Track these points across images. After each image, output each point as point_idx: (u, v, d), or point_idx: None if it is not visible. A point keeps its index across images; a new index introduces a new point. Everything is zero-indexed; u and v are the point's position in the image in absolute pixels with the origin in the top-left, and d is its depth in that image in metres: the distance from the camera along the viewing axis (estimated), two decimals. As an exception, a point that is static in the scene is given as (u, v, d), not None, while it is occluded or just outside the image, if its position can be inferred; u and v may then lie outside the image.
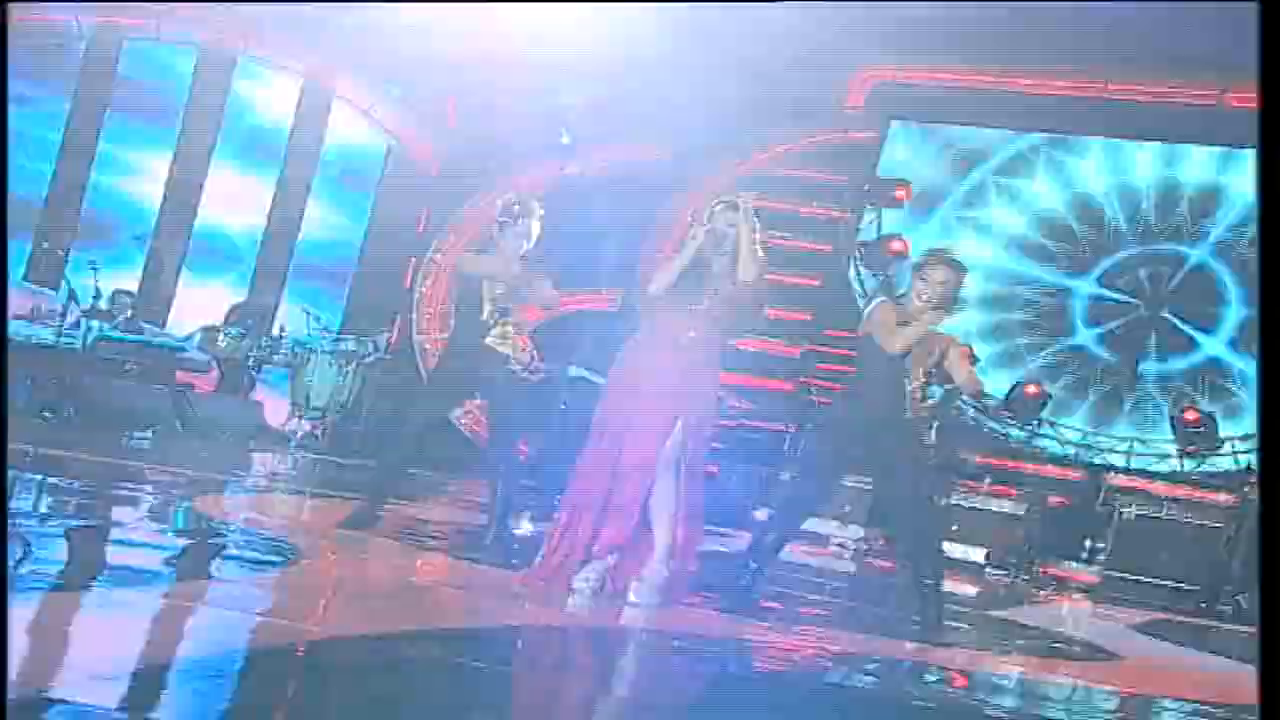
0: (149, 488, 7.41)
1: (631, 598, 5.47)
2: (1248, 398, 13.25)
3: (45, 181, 13.79)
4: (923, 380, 5.80)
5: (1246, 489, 11.19)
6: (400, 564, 5.95)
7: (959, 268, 5.79)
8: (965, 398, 9.53)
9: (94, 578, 4.56)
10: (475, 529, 7.46)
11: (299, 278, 14.97)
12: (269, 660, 3.73)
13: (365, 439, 12.63)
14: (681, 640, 5.10)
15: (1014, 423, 13.26)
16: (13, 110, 12.58)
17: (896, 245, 13.71)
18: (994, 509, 11.26)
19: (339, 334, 13.76)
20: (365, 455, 11.92)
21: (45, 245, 13.02)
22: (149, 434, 9.95)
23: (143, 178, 14.37)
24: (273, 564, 5.39)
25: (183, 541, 5.69)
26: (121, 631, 3.70)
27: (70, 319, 11.13)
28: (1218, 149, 13.85)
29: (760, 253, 5.58)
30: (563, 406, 11.30)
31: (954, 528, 10.96)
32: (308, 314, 13.14)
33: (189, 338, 12.78)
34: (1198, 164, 14.04)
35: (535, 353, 6.68)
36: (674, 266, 5.68)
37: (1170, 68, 13.31)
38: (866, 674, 5.15)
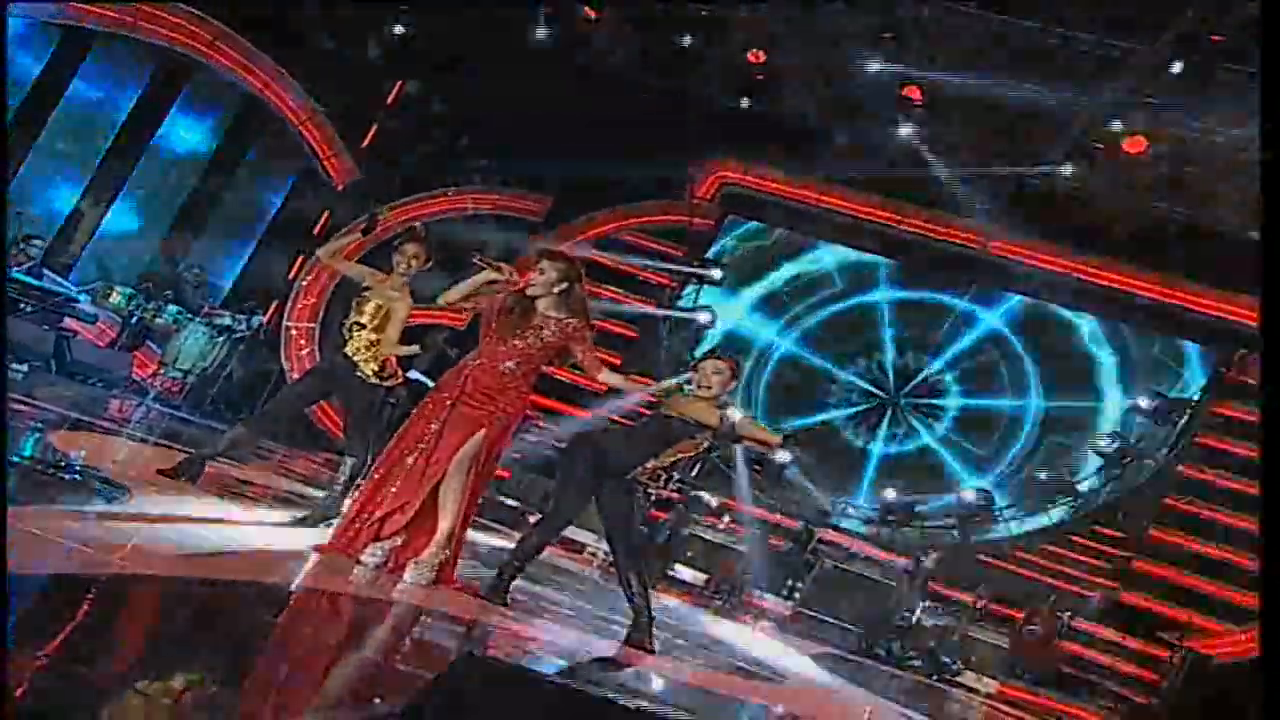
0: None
1: (406, 576, 5.40)
2: (944, 486, 13.99)
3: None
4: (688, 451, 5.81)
5: (922, 558, 11.70)
6: (212, 515, 5.76)
7: (736, 365, 5.80)
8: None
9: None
10: (293, 496, 7.28)
11: (202, 253, 14.37)
12: (68, 585, 3.58)
13: (216, 402, 12.26)
14: (437, 618, 5.07)
15: (759, 478, 13.60)
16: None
17: (705, 316, 14.11)
18: (724, 543, 11.46)
19: (220, 307, 13.28)
20: (212, 416, 11.56)
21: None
22: (24, 368, 9.41)
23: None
24: (101, 498, 5.16)
25: (24, 467, 5.40)
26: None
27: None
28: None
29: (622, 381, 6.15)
30: (392, 403, 11.13)
31: (689, 554, 11.15)
32: None
33: (85, 291, 12.17)
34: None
35: (398, 370, 6.57)
36: (462, 288, 5.77)
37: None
38: (579, 665, 5.18)
